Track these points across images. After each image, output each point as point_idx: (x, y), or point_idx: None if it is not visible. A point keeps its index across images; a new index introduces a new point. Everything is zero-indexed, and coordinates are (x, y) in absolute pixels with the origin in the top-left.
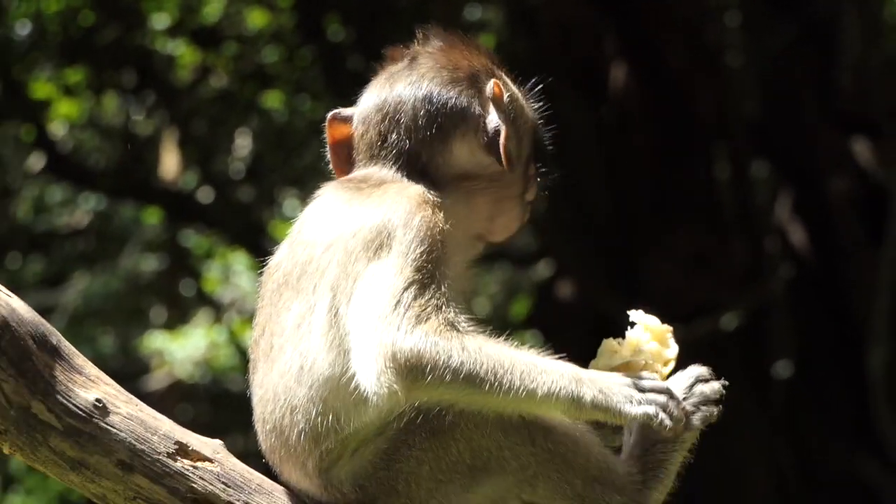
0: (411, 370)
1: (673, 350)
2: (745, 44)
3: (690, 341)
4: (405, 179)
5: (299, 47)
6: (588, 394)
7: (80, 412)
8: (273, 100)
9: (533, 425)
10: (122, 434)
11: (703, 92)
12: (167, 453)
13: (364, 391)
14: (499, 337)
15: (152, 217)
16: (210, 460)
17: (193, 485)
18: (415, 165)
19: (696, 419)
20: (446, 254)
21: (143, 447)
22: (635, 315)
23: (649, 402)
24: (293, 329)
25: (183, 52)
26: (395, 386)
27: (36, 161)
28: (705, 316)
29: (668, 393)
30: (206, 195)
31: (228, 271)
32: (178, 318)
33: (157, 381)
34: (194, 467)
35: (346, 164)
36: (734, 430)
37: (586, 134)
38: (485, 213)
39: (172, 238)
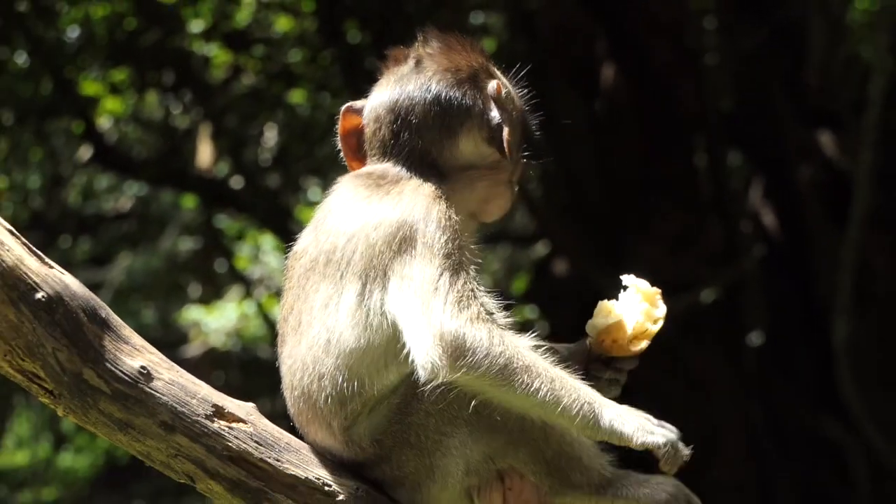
0: (456, 349)
1: (662, 310)
2: (722, 45)
3: (673, 313)
4: (418, 176)
5: (321, 49)
6: (606, 416)
7: (127, 378)
8: (297, 96)
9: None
10: (165, 398)
11: (684, 88)
12: (205, 415)
13: (413, 362)
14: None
15: (189, 202)
16: (244, 421)
17: (228, 443)
18: (425, 159)
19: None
20: (466, 240)
21: (183, 410)
22: (627, 279)
23: (661, 435)
24: (321, 308)
25: (217, 54)
26: (439, 362)
27: (84, 152)
28: (686, 291)
29: (676, 432)
30: (237, 182)
31: (258, 251)
32: (212, 293)
33: (193, 349)
34: (229, 428)
35: (356, 152)
36: (712, 393)
37: (580, 127)
38: (483, 196)
39: (207, 221)
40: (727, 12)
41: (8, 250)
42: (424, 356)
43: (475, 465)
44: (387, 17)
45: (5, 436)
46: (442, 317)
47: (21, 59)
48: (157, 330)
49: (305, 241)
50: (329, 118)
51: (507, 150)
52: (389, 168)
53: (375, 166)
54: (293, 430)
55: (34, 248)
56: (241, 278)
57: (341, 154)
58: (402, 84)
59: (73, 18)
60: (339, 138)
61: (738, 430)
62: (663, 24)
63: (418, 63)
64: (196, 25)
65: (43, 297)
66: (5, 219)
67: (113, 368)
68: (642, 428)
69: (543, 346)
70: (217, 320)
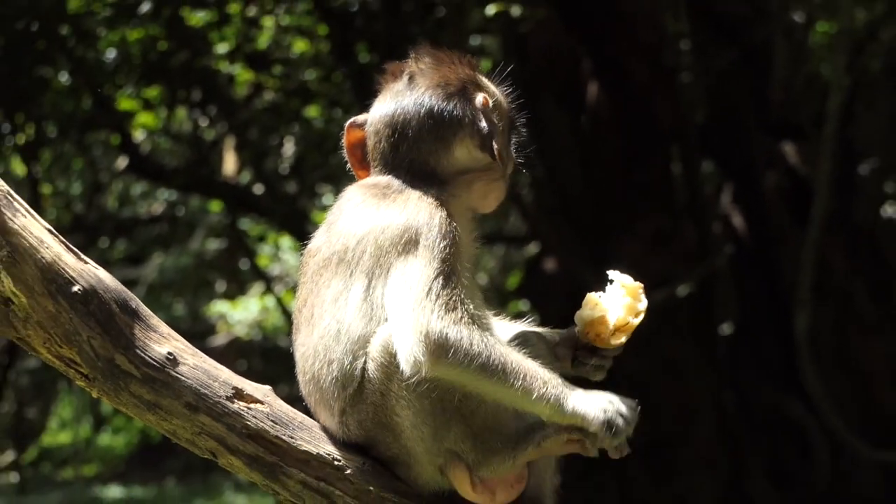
0: (438, 347)
1: (643, 303)
2: (695, 64)
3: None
4: (420, 185)
5: (333, 69)
6: (570, 402)
7: (155, 363)
8: (313, 111)
9: (452, 390)
10: (189, 381)
11: (661, 103)
12: (226, 397)
13: (397, 358)
14: (496, 309)
15: (215, 207)
16: (261, 402)
17: (247, 422)
18: (424, 169)
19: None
20: (460, 247)
21: (206, 392)
22: (613, 274)
23: (614, 413)
24: (331, 302)
25: (240, 73)
26: (421, 358)
27: (121, 162)
28: (663, 286)
29: (628, 418)
30: (258, 189)
31: (277, 251)
32: (236, 289)
33: (219, 339)
34: (248, 408)
35: (361, 162)
36: (687, 378)
37: (567, 138)
38: (480, 194)
39: (232, 224)
40: (700, 35)
41: (47, 248)
42: (409, 351)
43: (430, 445)
44: (393, 40)
45: (50, 418)
46: (430, 317)
47: (64, 77)
48: (186, 322)
49: (318, 242)
50: (341, 131)
51: (497, 154)
52: (392, 179)
53: (380, 178)
54: (306, 412)
55: (71, 246)
56: (262, 275)
57: (349, 164)
58: (398, 99)
59: (110, 41)
60: (345, 151)
61: (710, 412)
62: (642, 45)
63: (411, 79)
64: (221, 47)
65: (79, 290)
66: (49, 222)
67: (142, 354)
68: (599, 408)
69: (532, 332)
70: (241, 313)
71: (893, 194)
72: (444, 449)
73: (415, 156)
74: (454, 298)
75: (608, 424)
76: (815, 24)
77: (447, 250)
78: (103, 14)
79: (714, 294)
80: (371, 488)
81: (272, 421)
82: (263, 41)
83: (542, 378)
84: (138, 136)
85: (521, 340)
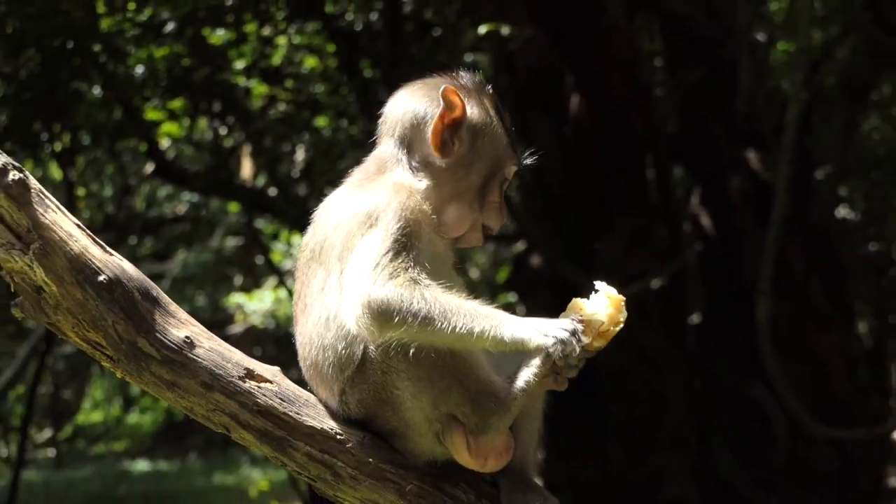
0: (381, 314)
1: (624, 314)
2: (668, 79)
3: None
4: (399, 171)
5: (341, 83)
6: (509, 330)
7: (174, 346)
8: (321, 122)
9: (447, 352)
10: (205, 362)
11: (637, 115)
12: (238, 376)
13: (347, 331)
14: (484, 298)
15: (233, 208)
16: (270, 381)
17: (258, 400)
18: (411, 158)
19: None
20: (419, 230)
21: (220, 372)
22: (599, 285)
23: (552, 336)
24: (318, 291)
25: (256, 86)
26: (370, 327)
27: (148, 167)
28: (638, 279)
29: (571, 331)
30: (272, 191)
31: (289, 247)
32: (252, 282)
33: (237, 328)
34: (258, 387)
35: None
36: (659, 364)
37: (551, 145)
38: (443, 198)
39: (248, 223)
40: (672, 53)
41: (76, 241)
42: (353, 322)
43: (429, 413)
44: (394, 57)
45: (84, 399)
46: (371, 288)
47: (96, 90)
48: (207, 312)
49: (307, 237)
50: (347, 139)
51: (433, 147)
52: (381, 166)
53: (371, 165)
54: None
55: (97, 239)
56: (275, 270)
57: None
58: (393, 101)
59: (138, 58)
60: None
61: (681, 395)
62: (620, 62)
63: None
64: (239, 63)
65: (104, 279)
66: (83, 222)
67: (162, 338)
68: (538, 331)
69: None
70: (256, 304)
71: (846, 197)
72: (444, 414)
73: (402, 145)
74: (398, 269)
75: (556, 342)
76: (776, 44)
77: (400, 231)
78: (132, 33)
79: (684, 287)
80: (370, 460)
81: (280, 399)
82: (277, 58)
83: (482, 315)
84: (164, 143)
85: None
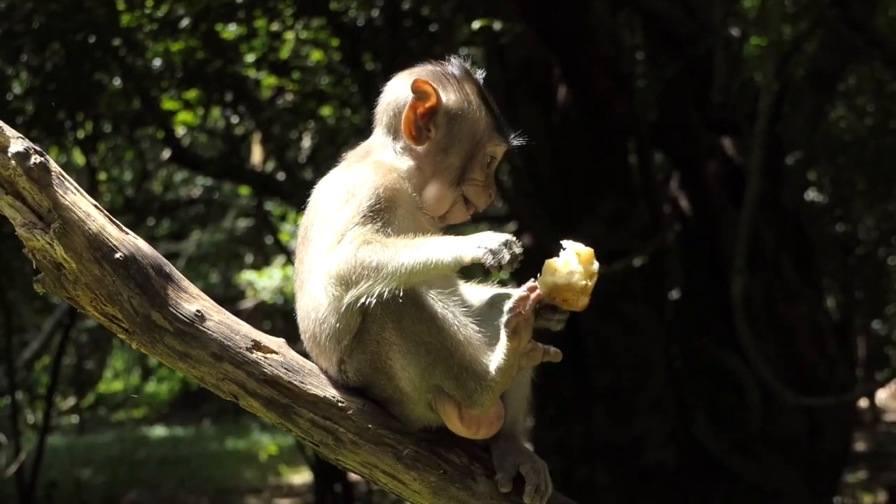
0: (340, 277)
1: (596, 266)
2: (648, 72)
3: (611, 275)
4: (383, 153)
5: (344, 75)
6: (450, 251)
7: (185, 319)
8: (326, 111)
9: (433, 329)
10: (215, 334)
11: (619, 104)
12: (246, 348)
13: (319, 302)
14: (477, 277)
15: (244, 191)
16: (276, 352)
17: (264, 370)
18: (396, 143)
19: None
20: (394, 206)
21: (229, 343)
22: (566, 243)
23: (484, 248)
24: (310, 267)
25: (265, 78)
26: (335, 293)
27: (165, 153)
28: (621, 258)
29: (504, 242)
30: (281, 176)
31: (297, 228)
32: (262, 261)
33: (248, 303)
34: (265, 357)
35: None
36: (642, 336)
37: (540, 133)
38: (424, 178)
39: (258, 205)
40: (653, 47)
41: (93, 220)
42: (322, 293)
43: (418, 384)
44: (394, 51)
45: (105, 369)
46: (331, 258)
47: (116, 82)
48: (220, 288)
49: (302, 219)
50: (350, 127)
51: (404, 132)
52: (369, 149)
53: (361, 149)
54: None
55: (114, 219)
56: (283, 249)
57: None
58: (385, 88)
59: (156, 51)
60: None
61: (661, 365)
62: (604, 56)
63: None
64: (250, 56)
65: (120, 256)
66: (104, 204)
67: (175, 311)
68: (472, 245)
69: (507, 293)
70: (266, 281)
71: (815, 181)
72: (432, 385)
73: (388, 128)
74: (358, 237)
75: (486, 251)
76: (749, 39)
77: (372, 206)
78: (150, 28)
79: (664, 265)
80: (370, 426)
81: (285, 368)
82: (285, 51)
83: (425, 246)
84: (179, 131)
85: (498, 300)
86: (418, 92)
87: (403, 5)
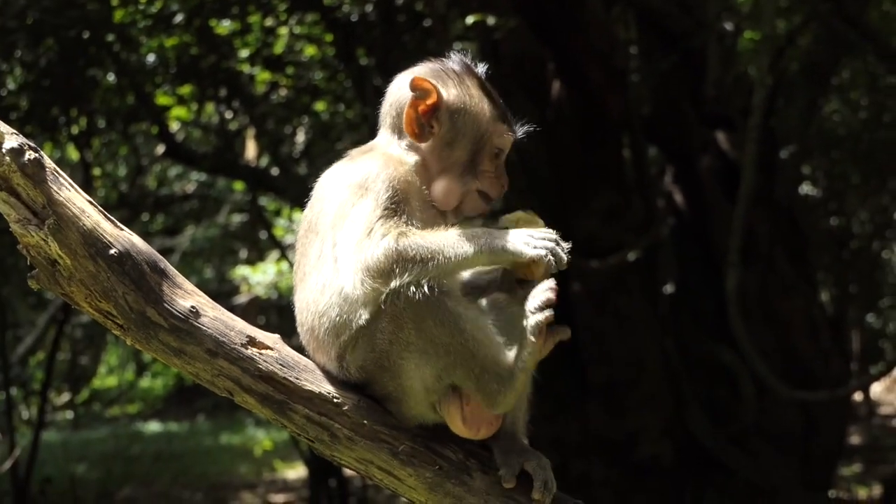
0: (381, 272)
1: (541, 223)
2: (642, 66)
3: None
4: (390, 147)
5: (338, 70)
6: (499, 244)
7: (180, 315)
8: (320, 106)
9: (456, 331)
10: (209, 330)
11: (613, 99)
12: (241, 343)
13: (348, 296)
14: None
15: (239, 186)
16: (271, 348)
17: (259, 365)
18: (402, 140)
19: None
20: (409, 199)
21: (223, 339)
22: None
23: (542, 247)
24: (315, 260)
25: (259, 73)
26: (374, 286)
27: (159, 148)
28: (616, 252)
29: (555, 240)
30: (275, 171)
31: (291, 223)
32: (256, 256)
33: (242, 298)
34: (260, 353)
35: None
36: (637, 329)
37: (535, 128)
38: (431, 174)
39: (253, 201)
40: (646, 42)
41: (88, 216)
42: (358, 287)
43: (430, 384)
44: (388, 46)
45: (100, 365)
46: (367, 252)
47: (110, 77)
48: (214, 283)
49: (305, 212)
50: (344, 122)
51: (406, 129)
52: (374, 143)
53: (367, 144)
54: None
55: (108, 215)
56: (278, 244)
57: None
58: (388, 92)
59: (150, 47)
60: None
61: (656, 358)
62: (598, 50)
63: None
64: (244, 52)
65: (115, 252)
66: (98, 200)
67: (169, 308)
68: (527, 244)
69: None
70: (260, 276)
71: (809, 175)
72: (445, 385)
73: (392, 124)
74: (391, 230)
75: (547, 252)
76: (742, 33)
77: (391, 197)
78: (144, 24)
79: (658, 259)
80: (365, 422)
81: (280, 364)
82: (279, 47)
83: (470, 238)
84: (174, 126)
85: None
86: (418, 90)
87: (397, 0)
